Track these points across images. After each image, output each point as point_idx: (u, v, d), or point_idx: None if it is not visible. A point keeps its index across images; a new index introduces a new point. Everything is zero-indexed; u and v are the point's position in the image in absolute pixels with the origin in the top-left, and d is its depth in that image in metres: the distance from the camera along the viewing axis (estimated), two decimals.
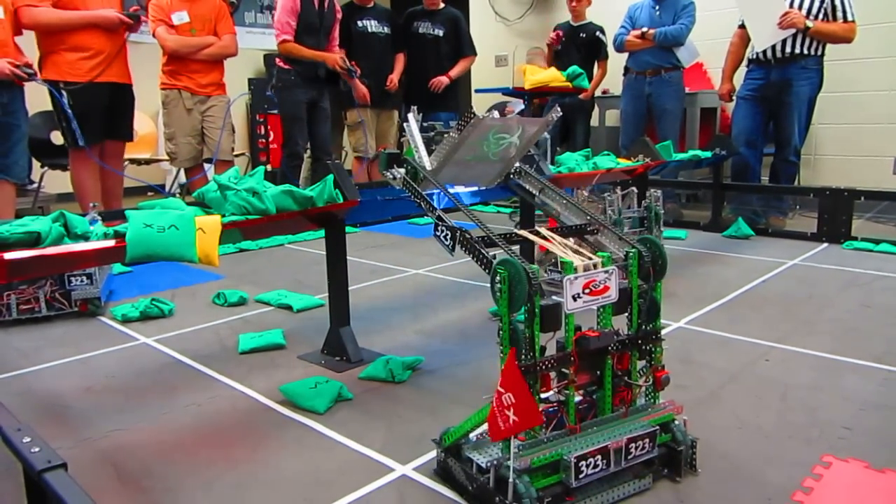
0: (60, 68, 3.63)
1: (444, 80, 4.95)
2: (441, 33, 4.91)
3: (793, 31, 3.91)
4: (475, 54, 5.12)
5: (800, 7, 3.93)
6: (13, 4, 3.42)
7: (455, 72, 5.00)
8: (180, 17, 4.04)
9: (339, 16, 4.56)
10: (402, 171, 1.67)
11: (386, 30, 4.78)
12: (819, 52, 4.02)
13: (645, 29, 4.64)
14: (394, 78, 4.80)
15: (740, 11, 4.26)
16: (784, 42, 3.98)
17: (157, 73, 4.20)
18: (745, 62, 4.33)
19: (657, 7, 4.67)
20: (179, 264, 2.42)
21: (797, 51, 3.97)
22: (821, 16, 3.92)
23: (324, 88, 4.50)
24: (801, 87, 4.03)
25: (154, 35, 4.05)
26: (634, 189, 2.80)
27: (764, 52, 4.07)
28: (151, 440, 1.60)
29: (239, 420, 1.71)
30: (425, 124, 2.03)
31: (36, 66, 3.62)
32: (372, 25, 4.73)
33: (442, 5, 4.96)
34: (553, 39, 5.22)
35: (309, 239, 4.02)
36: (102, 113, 3.80)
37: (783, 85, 4.05)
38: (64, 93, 3.63)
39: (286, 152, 4.49)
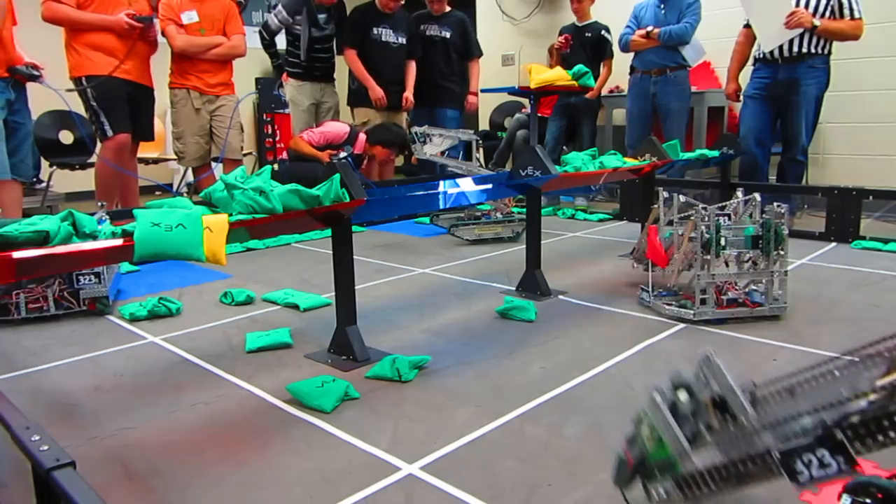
0: (82, 64, 3.73)
1: (474, 99, 5.22)
2: (449, 35, 5.02)
3: (800, 30, 3.88)
4: (481, 55, 5.27)
5: (806, 6, 3.90)
6: None
7: (475, 82, 5.19)
8: (190, 17, 4.06)
9: (365, 165, 4.64)
10: (669, 484, 1.02)
11: (401, 40, 4.83)
12: (826, 51, 3.99)
13: (650, 28, 4.63)
14: (408, 96, 4.88)
15: (745, 11, 4.24)
16: (791, 41, 3.96)
17: (164, 72, 4.22)
18: (751, 60, 4.31)
19: (662, 6, 4.66)
20: (187, 263, 2.43)
21: (804, 50, 3.95)
22: (828, 14, 3.89)
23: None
24: (809, 87, 4.01)
25: (163, 34, 4.07)
26: (757, 197, 2.41)
27: (771, 51, 4.05)
28: (159, 439, 1.61)
29: (246, 419, 1.71)
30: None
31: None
32: (387, 34, 4.76)
33: (448, 9, 5.06)
34: (562, 44, 5.22)
35: (316, 238, 4.03)
36: (126, 107, 3.85)
37: (790, 84, 4.03)
38: (87, 88, 3.70)
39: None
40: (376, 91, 4.71)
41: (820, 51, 3.96)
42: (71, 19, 3.64)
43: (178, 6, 4.06)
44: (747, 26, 4.28)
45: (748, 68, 4.34)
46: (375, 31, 4.70)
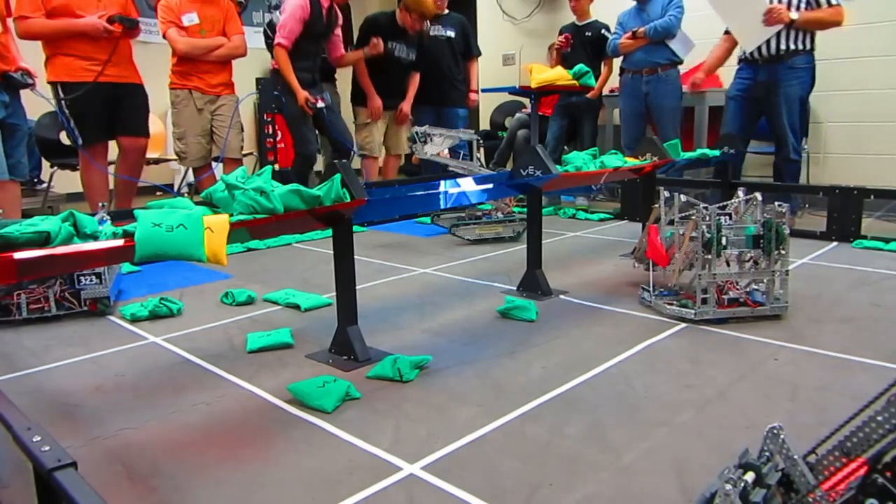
0: (59, 71, 3.72)
1: (475, 96, 5.37)
2: (452, 34, 5.10)
3: (780, 26, 3.85)
4: (480, 54, 5.41)
5: (780, 0, 3.87)
6: (14, 14, 3.55)
7: (475, 81, 5.31)
8: (190, 19, 4.06)
9: (341, 21, 4.56)
10: None
11: (412, 56, 4.87)
12: (808, 47, 3.94)
13: (636, 29, 4.65)
14: (404, 107, 4.92)
15: (721, 18, 4.22)
16: (769, 41, 3.93)
17: (164, 72, 4.22)
18: (735, 60, 4.31)
19: (643, 8, 4.69)
20: (188, 263, 2.42)
21: (783, 47, 3.91)
22: (803, 5, 3.85)
23: (321, 84, 4.51)
24: (790, 88, 3.97)
25: (164, 36, 4.07)
26: (758, 196, 2.39)
27: (752, 51, 4.03)
28: (160, 439, 1.61)
29: (247, 419, 1.71)
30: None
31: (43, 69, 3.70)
32: (400, 50, 4.79)
33: (447, 11, 5.13)
34: (562, 43, 5.23)
35: (316, 238, 4.03)
36: (102, 113, 3.83)
37: (770, 86, 4.00)
38: (61, 95, 3.70)
39: (300, 151, 4.44)
40: (375, 100, 4.76)
41: (801, 46, 3.91)
42: (44, 31, 3.62)
43: (178, 8, 4.06)
44: (727, 33, 4.28)
45: (739, 68, 4.33)
46: (390, 45, 4.72)
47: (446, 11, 5.13)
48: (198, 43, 4.09)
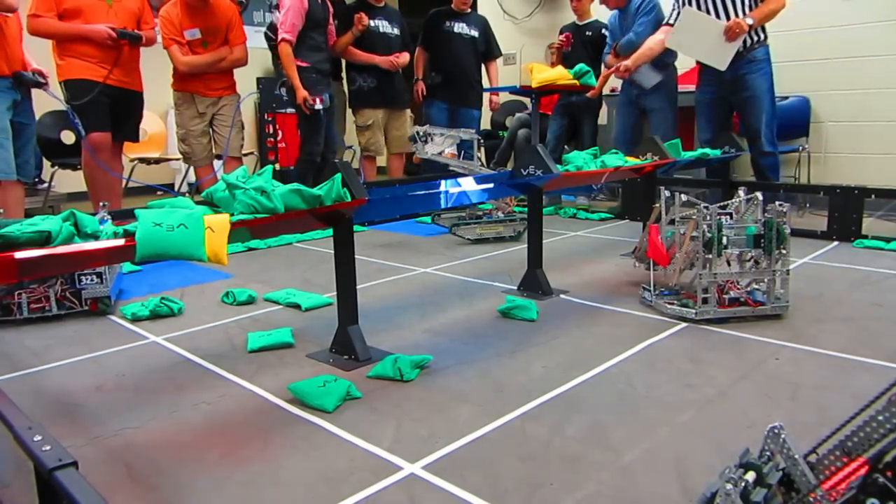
0: (66, 71, 3.76)
1: (497, 99, 5.44)
2: (476, 34, 5.09)
3: (743, 35, 3.89)
4: (501, 55, 5.41)
5: (727, 13, 3.92)
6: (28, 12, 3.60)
7: (496, 82, 5.27)
8: (192, 34, 4.08)
9: (332, 9, 4.57)
10: None
11: (396, 31, 4.84)
12: (762, 37, 4.01)
13: (613, 44, 4.75)
14: (405, 53, 4.84)
15: (686, 55, 4.25)
16: None
17: (165, 72, 4.22)
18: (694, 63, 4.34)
19: (623, 15, 4.73)
20: (189, 263, 2.43)
21: (739, 46, 3.96)
22: (747, 7, 3.91)
23: (331, 85, 4.52)
24: (756, 80, 4.02)
25: (166, 50, 4.08)
26: (759, 196, 2.40)
27: None
28: (161, 438, 1.61)
29: (248, 418, 1.71)
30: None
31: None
32: (384, 26, 4.78)
33: (469, 10, 5.12)
34: (563, 42, 5.24)
35: (317, 238, 4.03)
36: (106, 109, 3.84)
37: (737, 81, 4.04)
38: (69, 94, 3.73)
39: (305, 150, 4.44)
40: (386, 59, 4.71)
41: (756, 38, 3.98)
42: (53, 31, 3.67)
43: (179, 23, 4.05)
44: (669, 24, 4.25)
45: (700, 71, 4.32)
46: (373, 24, 4.70)
47: (469, 10, 5.10)
48: (198, 63, 4.10)
